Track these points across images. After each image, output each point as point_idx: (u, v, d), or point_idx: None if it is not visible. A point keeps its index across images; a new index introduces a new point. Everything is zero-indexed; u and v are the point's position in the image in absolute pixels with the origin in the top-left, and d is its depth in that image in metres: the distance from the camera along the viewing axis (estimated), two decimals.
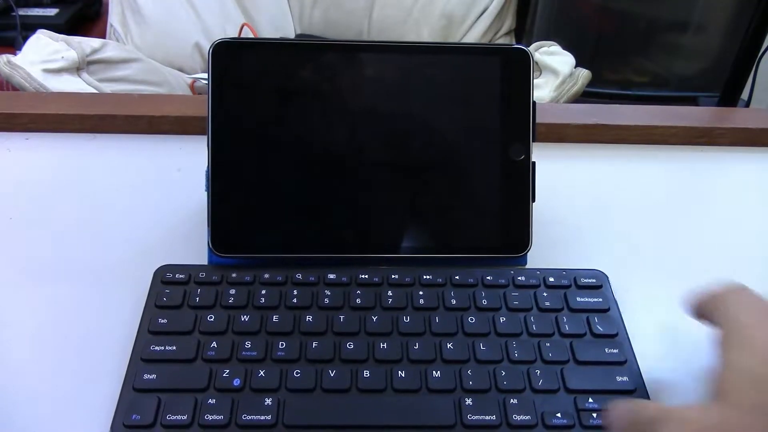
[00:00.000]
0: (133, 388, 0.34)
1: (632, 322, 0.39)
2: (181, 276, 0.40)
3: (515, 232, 0.43)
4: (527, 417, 0.34)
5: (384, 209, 0.43)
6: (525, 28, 1.48)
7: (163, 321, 0.37)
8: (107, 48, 1.06)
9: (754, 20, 0.99)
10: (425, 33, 1.36)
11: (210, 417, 0.33)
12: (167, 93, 1.16)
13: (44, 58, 0.92)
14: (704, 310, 0.33)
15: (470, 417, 0.33)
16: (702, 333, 0.34)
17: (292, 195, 0.42)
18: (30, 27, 1.18)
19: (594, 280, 0.41)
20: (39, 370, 0.37)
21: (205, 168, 0.41)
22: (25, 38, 0.96)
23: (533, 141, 0.43)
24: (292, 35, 1.38)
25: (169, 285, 0.40)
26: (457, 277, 0.41)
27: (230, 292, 0.39)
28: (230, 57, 0.41)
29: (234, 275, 0.40)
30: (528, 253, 0.43)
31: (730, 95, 1.07)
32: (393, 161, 0.43)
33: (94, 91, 0.97)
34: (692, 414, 0.27)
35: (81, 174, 0.52)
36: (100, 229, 0.47)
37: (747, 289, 0.33)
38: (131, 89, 1.08)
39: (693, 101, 1.44)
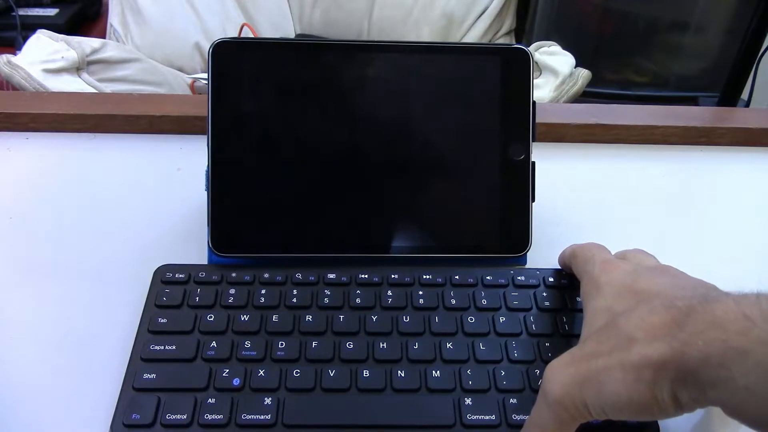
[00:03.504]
0: (132, 388, 0.34)
1: None
2: (180, 275, 0.40)
3: (515, 232, 0.43)
4: (527, 417, 0.33)
5: (383, 209, 0.43)
6: (525, 28, 1.48)
7: (162, 320, 0.37)
8: (107, 48, 1.06)
9: (754, 20, 0.99)
10: (425, 33, 1.36)
11: (209, 416, 0.33)
12: (167, 93, 1.16)
13: (44, 58, 0.92)
14: (565, 264, 0.40)
15: (470, 417, 0.33)
16: None
17: (291, 195, 0.42)
18: (30, 27, 1.18)
19: None
20: (39, 369, 0.37)
21: (205, 167, 0.41)
22: (25, 38, 0.96)
23: (533, 141, 0.43)
24: (292, 35, 1.38)
25: (169, 284, 0.40)
26: (456, 277, 0.41)
27: (230, 291, 0.39)
28: (230, 57, 0.41)
29: (234, 275, 0.40)
30: (528, 253, 0.43)
31: (730, 95, 1.08)
32: (393, 161, 0.43)
33: (94, 91, 0.97)
34: (552, 365, 0.30)
35: (81, 174, 0.52)
36: (100, 228, 0.47)
37: (595, 245, 0.38)
38: (131, 89, 1.09)
39: (693, 101, 1.44)
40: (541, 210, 0.44)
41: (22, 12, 1.36)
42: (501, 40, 1.41)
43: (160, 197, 0.50)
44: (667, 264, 0.35)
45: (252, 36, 1.28)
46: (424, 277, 0.41)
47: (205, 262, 0.42)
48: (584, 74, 1.00)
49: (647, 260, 0.36)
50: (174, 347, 0.36)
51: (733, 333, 0.24)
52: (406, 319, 0.38)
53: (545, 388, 0.29)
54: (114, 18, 1.30)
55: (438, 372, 0.35)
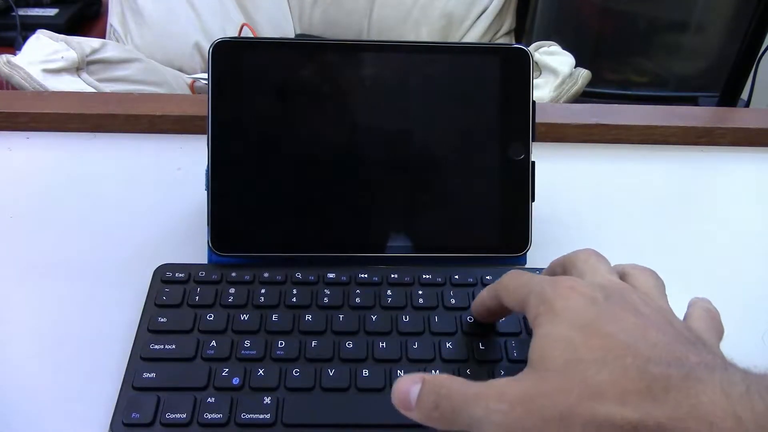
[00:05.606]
0: (132, 387, 0.34)
1: None
2: (180, 275, 0.40)
3: (515, 232, 0.43)
4: None
5: (383, 208, 0.43)
6: (525, 28, 1.48)
7: (162, 320, 0.37)
8: (107, 48, 1.06)
9: (754, 20, 0.99)
10: (425, 33, 1.36)
11: (209, 416, 0.33)
12: (167, 93, 1.16)
13: (44, 58, 0.92)
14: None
15: None
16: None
17: (291, 194, 0.42)
18: (30, 27, 1.18)
19: None
20: (39, 369, 0.37)
21: (205, 167, 0.42)
22: (25, 38, 0.96)
23: (533, 140, 0.43)
24: (291, 35, 1.38)
25: (169, 284, 0.40)
26: (456, 277, 0.41)
27: (230, 291, 0.39)
28: (230, 56, 0.41)
29: (234, 274, 0.40)
30: (528, 253, 0.43)
31: (730, 95, 1.07)
32: (392, 161, 0.43)
33: (94, 91, 0.97)
34: (506, 387, 0.27)
35: (81, 173, 0.52)
36: (101, 227, 0.47)
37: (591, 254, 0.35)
38: (131, 89, 1.09)
39: (693, 101, 1.44)
40: (541, 210, 0.44)
41: (22, 12, 1.36)
42: (501, 40, 1.41)
43: (161, 196, 0.50)
44: (628, 288, 0.32)
45: (252, 36, 1.28)
46: (424, 276, 0.41)
47: (205, 261, 0.42)
48: (584, 74, 1.00)
49: (610, 281, 0.33)
50: (174, 346, 0.36)
51: None
52: (406, 318, 0.38)
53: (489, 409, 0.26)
54: (114, 18, 1.30)
55: (437, 371, 0.35)
